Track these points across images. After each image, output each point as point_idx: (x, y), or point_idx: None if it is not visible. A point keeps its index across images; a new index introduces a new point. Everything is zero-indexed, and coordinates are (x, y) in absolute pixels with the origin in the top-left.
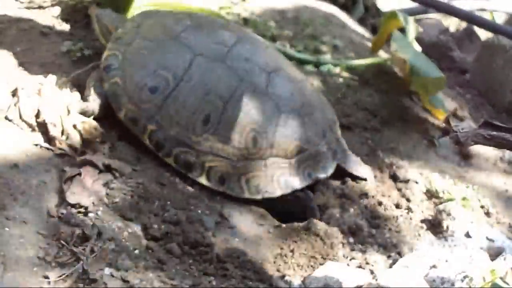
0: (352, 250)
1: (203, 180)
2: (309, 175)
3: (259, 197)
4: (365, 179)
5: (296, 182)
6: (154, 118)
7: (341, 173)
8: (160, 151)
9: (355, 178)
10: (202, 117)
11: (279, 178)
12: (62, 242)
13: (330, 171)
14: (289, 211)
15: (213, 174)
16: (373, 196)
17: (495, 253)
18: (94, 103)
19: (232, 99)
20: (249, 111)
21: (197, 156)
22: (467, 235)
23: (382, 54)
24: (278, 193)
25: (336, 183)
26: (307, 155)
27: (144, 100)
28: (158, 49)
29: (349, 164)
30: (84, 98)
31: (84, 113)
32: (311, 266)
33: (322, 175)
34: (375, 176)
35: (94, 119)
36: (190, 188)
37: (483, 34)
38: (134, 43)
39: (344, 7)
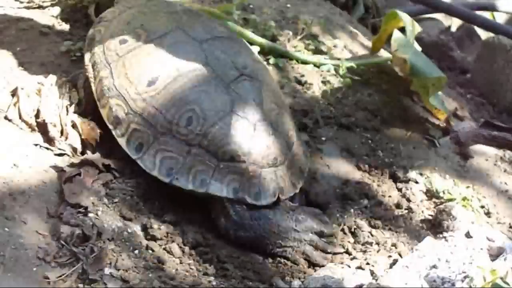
0: (352, 250)
1: (122, 141)
2: (234, 190)
3: (166, 180)
4: None
5: (216, 188)
6: (110, 66)
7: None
8: (99, 99)
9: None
10: (149, 78)
11: (197, 173)
12: (62, 242)
13: (263, 202)
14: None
15: (134, 138)
16: (373, 196)
17: (495, 253)
18: (86, 104)
19: (188, 74)
20: (200, 93)
21: (127, 113)
22: (467, 235)
23: (382, 54)
24: (189, 186)
25: (337, 183)
26: (242, 168)
27: (111, 48)
28: (150, 15)
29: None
30: (79, 101)
31: (79, 113)
32: (312, 266)
33: (250, 200)
34: (376, 180)
35: (94, 119)
36: None
37: (484, 34)
38: (134, 8)
39: (344, 7)
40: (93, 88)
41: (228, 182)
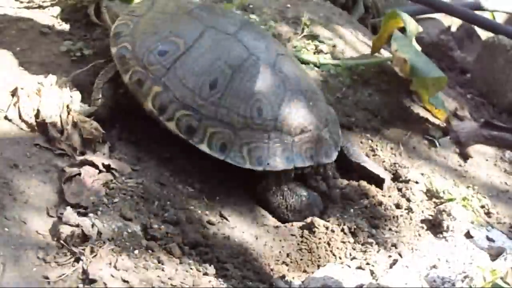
0: (352, 250)
1: (204, 146)
2: (311, 157)
3: (260, 168)
4: (383, 180)
5: (299, 160)
6: (161, 80)
7: (358, 173)
8: (162, 114)
9: (372, 177)
10: (209, 81)
11: (282, 153)
12: (62, 242)
13: (333, 157)
14: (293, 208)
15: (215, 140)
16: (373, 196)
17: (495, 253)
18: (102, 108)
19: (241, 69)
20: (257, 82)
21: (200, 120)
22: (467, 235)
23: (382, 54)
24: (280, 167)
25: (336, 182)
26: (310, 136)
27: (153, 62)
28: (171, 20)
29: (365, 162)
30: (92, 101)
31: (92, 115)
32: (312, 266)
33: (324, 160)
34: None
35: (96, 120)
36: (190, 188)
37: (484, 34)
38: (147, 15)
39: (344, 7)
40: (149, 105)
41: (305, 152)
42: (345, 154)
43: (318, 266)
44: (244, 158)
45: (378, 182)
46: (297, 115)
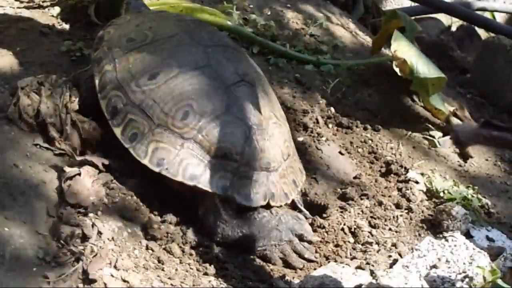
0: (352, 250)
1: (118, 130)
2: (222, 187)
3: (156, 169)
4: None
5: (204, 182)
6: (115, 60)
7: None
8: (101, 91)
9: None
10: (152, 72)
11: (187, 166)
12: (62, 242)
13: (252, 203)
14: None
15: (130, 128)
16: (373, 196)
17: (495, 253)
18: (86, 99)
19: (190, 72)
20: (199, 91)
21: (125, 104)
22: (467, 235)
23: (382, 54)
24: (178, 178)
25: (336, 183)
26: (233, 167)
27: (117, 45)
28: (158, 21)
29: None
30: (79, 97)
31: (81, 111)
32: (312, 266)
33: (239, 199)
34: (375, 180)
35: (95, 119)
36: None
37: (484, 34)
38: (148, 16)
39: (344, 7)
40: (96, 82)
41: (218, 179)
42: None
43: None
44: (147, 153)
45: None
46: (226, 138)
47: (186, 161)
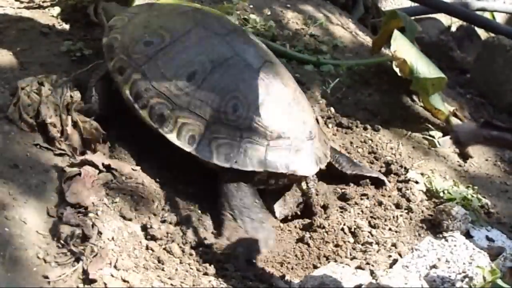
0: (352, 250)
1: (173, 137)
2: (285, 165)
3: (226, 165)
4: (382, 181)
5: (270, 164)
6: (141, 67)
7: (356, 182)
8: (137, 101)
9: (372, 180)
10: (188, 72)
11: (252, 153)
12: (62, 242)
13: (311, 171)
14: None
15: (185, 132)
16: (373, 196)
17: (495, 253)
18: (95, 103)
19: (223, 65)
20: (237, 81)
21: (172, 109)
22: (467, 235)
23: (382, 54)
24: (248, 167)
25: (337, 183)
26: (288, 145)
27: (137, 52)
28: (164, 17)
29: (359, 170)
30: (86, 100)
31: (86, 113)
32: (312, 265)
33: (300, 171)
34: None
35: (96, 120)
36: (190, 188)
37: (484, 34)
38: (143, 14)
39: (344, 7)
40: (126, 92)
41: (280, 158)
42: (337, 167)
43: (317, 266)
44: (212, 152)
45: (377, 183)
46: (275, 120)
47: (249, 151)
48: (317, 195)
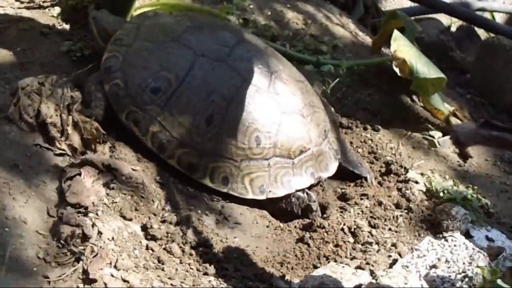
0: (352, 250)
1: (207, 181)
2: (312, 175)
3: (263, 197)
4: (365, 178)
5: (300, 182)
6: (157, 119)
7: (342, 172)
8: (163, 153)
9: (355, 176)
10: (205, 117)
11: (282, 178)
12: (62, 242)
13: (333, 170)
14: (291, 211)
15: (217, 174)
16: (373, 196)
17: (494, 253)
18: (97, 109)
19: (235, 99)
20: (252, 111)
21: (200, 157)
22: (467, 235)
23: (382, 54)
24: (282, 192)
25: (336, 183)
26: (310, 154)
27: (147, 102)
28: (159, 51)
29: (351, 163)
30: (86, 104)
31: (88, 118)
32: (312, 265)
33: (324, 175)
34: (375, 178)
35: (96, 120)
36: (190, 188)
37: (484, 34)
38: (135, 44)
39: (344, 7)
40: (148, 144)
41: (305, 171)
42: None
43: (319, 266)
44: (247, 188)
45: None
46: (295, 137)
47: (279, 176)
48: (316, 194)
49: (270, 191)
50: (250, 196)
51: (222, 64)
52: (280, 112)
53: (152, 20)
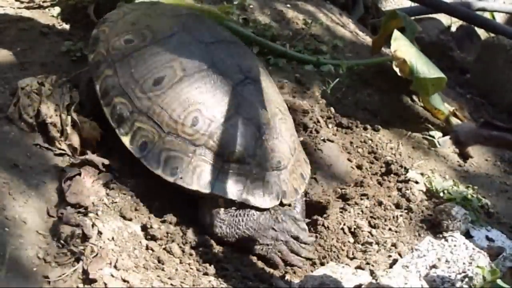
0: (353, 250)
1: (126, 140)
2: (238, 193)
3: (171, 179)
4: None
5: (219, 189)
6: (115, 65)
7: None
8: (103, 98)
9: None
10: (155, 77)
11: (201, 173)
12: (62, 242)
13: (266, 204)
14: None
15: (138, 137)
16: (373, 196)
17: (495, 253)
18: (86, 102)
19: (194, 76)
20: (205, 94)
21: (132, 112)
22: (467, 235)
23: (382, 54)
24: (193, 187)
25: (336, 183)
26: (247, 170)
27: (115, 47)
28: (155, 17)
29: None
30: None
31: (77, 109)
32: (312, 265)
33: (253, 201)
34: (376, 180)
35: (93, 119)
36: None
37: (484, 34)
38: (140, 10)
39: (344, 7)
40: (97, 87)
41: (233, 184)
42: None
43: (319, 266)
44: (159, 163)
45: None
46: (238, 142)
47: (199, 169)
48: (316, 194)
49: (181, 178)
50: (158, 172)
51: (201, 45)
52: (235, 112)
53: (166, 4)
